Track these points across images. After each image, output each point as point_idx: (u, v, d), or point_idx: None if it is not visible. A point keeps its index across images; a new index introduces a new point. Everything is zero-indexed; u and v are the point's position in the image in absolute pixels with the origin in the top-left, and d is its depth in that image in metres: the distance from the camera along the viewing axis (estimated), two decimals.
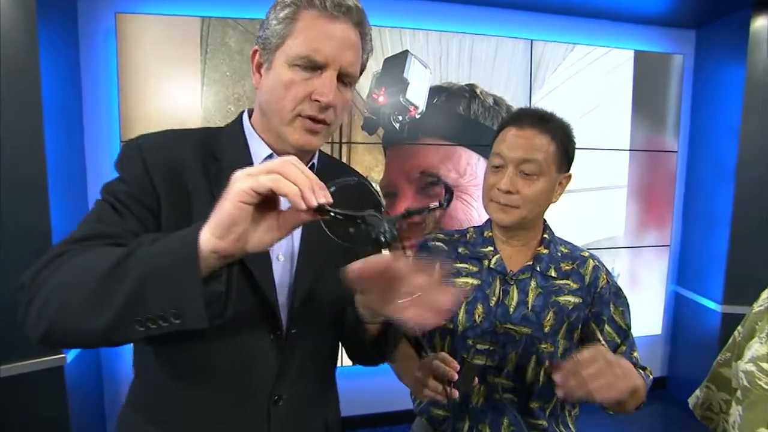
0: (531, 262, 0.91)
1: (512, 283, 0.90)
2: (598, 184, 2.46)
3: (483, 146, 2.24)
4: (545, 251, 0.92)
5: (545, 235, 0.94)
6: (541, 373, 0.88)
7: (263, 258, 0.66)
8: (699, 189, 2.56)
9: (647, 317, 2.60)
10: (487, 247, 0.93)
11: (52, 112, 1.63)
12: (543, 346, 0.87)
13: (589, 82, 2.38)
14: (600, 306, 0.91)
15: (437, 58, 2.19)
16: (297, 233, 0.71)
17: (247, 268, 0.64)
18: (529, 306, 0.88)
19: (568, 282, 0.90)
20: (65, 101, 1.78)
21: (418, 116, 2.17)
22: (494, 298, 0.89)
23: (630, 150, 2.49)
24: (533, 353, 0.88)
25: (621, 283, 2.09)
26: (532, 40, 2.29)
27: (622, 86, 2.44)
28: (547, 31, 2.36)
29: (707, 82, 2.50)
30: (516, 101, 2.29)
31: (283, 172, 0.47)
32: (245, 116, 0.74)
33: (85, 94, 1.92)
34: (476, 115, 2.23)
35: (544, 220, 0.95)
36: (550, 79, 2.34)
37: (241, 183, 0.47)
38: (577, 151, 0.92)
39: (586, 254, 0.94)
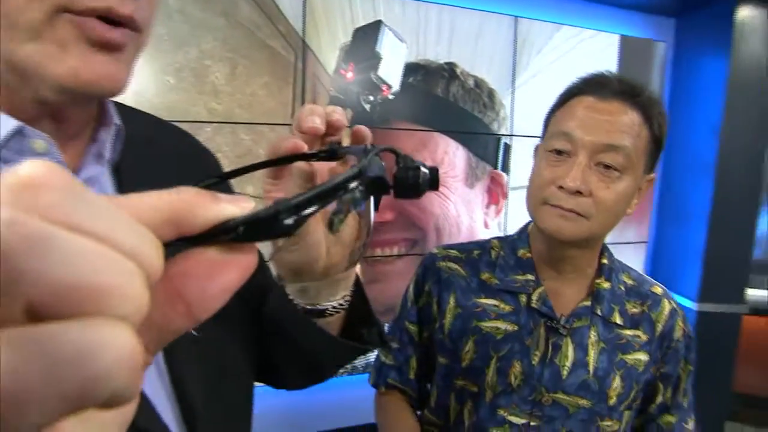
0: (589, 302, 0.66)
1: (565, 333, 0.65)
2: None
3: (462, 133, 2.00)
4: (606, 285, 0.67)
5: (604, 260, 0.70)
6: None
7: None
8: (675, 184, 2.48)
9: None
10: (524, 275, 0.68)
11: None
12: (606, 423, 0.64)
13: (576, 65, 2.19)
14: (671, 365, 0.68)
15: (414, 31, 1.91)
16: None
17: None
18: (591, 369, 0.64)
19: (638, 333, 0.66)
20: None
21: (391, 96, 1.88)
22: (538, 354, 0.64)
23: None
24: None
25: None
26: (516, 17, 2.07)
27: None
28: (532, 7, 2.14)
29: (687, 73, 2.40)
30: (498, 83, 2.06)
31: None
32: None
33: None
34: (455, 97, 1.98)
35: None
36: (535, 61, 2.13)
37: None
38: None
39: (659, 291, 0.71)
